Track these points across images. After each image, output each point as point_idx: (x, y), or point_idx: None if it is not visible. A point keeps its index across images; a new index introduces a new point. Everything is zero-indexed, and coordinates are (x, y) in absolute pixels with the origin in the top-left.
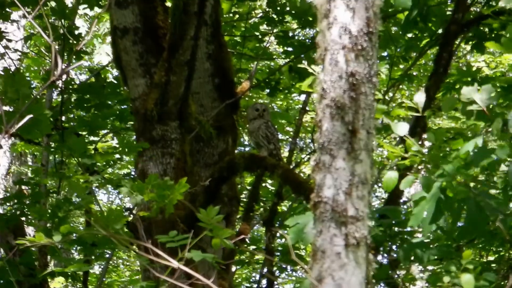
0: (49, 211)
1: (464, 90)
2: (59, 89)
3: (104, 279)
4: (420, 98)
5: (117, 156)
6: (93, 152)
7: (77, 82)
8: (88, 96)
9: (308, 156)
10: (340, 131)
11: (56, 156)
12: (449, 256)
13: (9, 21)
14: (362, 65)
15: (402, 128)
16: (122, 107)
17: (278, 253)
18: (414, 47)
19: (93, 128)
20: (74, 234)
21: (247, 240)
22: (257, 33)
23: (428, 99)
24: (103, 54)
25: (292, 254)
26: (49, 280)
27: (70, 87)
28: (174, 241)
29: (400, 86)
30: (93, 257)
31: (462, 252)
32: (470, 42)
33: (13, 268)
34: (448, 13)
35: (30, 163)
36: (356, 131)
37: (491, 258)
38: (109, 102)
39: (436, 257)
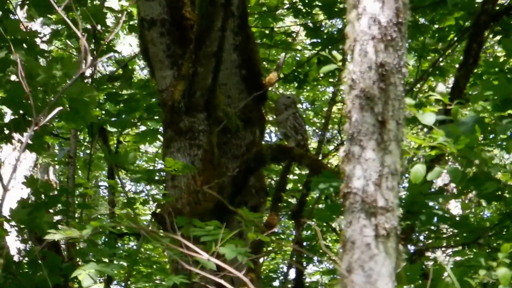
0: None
1: None
2: (89, 81)
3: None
4: (441, 88)
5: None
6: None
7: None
8: (116, 90)
9: (335, 147)
10: (369, 122)
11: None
12: (475, 238)
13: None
14: (391, 56)
15: (428, 118)
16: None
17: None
18: (443, 39)
19: (121, 123)
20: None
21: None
22: (285, 25)
23: (458, 90)
24: (126, 45)
25: (321, 244)
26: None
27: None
28: (208, 234)
29: (429, 77)
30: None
31: (489, 240)
32: (498, 36)
33: (38, 265)
34: (476, 5)
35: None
36: (386, 122)
37: None
38: (137, 96)
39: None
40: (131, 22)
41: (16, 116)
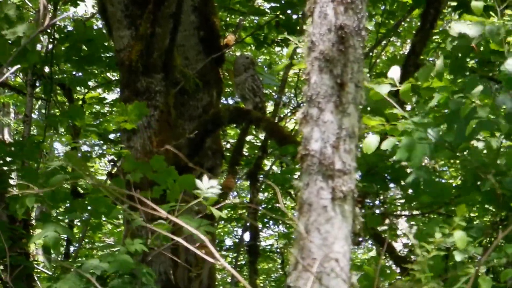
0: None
1: (455, 25)
2: (51, 38)
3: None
4: (395, 73)
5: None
6: (81, 103)
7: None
8: (77, 45)
9: (291, 111)
10: (328, 84)
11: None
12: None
13: None
14: (351, 18)
15: (383, 89)
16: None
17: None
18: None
19: (80, 81)
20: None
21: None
22: None
23: (414, 55)
24: (81, 4)
25: (280, 202)
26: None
27: (59, 36)
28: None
29: (384, 43)
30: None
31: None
32: (457, 11)
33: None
34: None
35: (12, 114)
36: (345, 84)
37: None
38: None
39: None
40: None
41: None
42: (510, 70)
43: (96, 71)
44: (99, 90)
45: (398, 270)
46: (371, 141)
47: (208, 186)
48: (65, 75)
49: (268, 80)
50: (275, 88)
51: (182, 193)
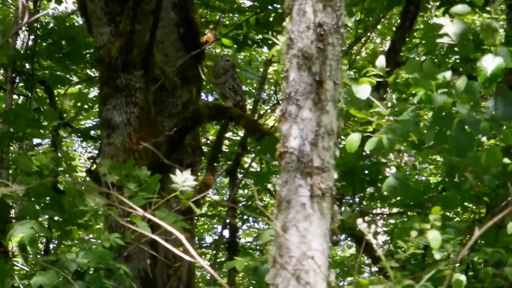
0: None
1: (439, 20)
2: (33, 34)
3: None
4: (381, 62)
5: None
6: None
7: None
8: (58, 41)
9: (271, 108)
10: (307, 81)
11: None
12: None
13: None
14: (330, 16)
15: (363, 91)
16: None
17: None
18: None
19: (61, 79)
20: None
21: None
22: None
23: (394, 52)
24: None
25: (257, 202)
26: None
27: (40, 32)
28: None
29: (364, 40)
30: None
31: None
32: (441, 8)
33: None
34: None
35: None
36: (323, 82)
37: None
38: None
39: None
40: None
41: None
42: (486, 66)
43: (77, 67)
44: (79, 86)
45: (376, 269)
46: (352, 140)
47: (183, 180)
48: (46, 72)
49: (250, 75)
50: (255, 85)
51: (160, 189)
